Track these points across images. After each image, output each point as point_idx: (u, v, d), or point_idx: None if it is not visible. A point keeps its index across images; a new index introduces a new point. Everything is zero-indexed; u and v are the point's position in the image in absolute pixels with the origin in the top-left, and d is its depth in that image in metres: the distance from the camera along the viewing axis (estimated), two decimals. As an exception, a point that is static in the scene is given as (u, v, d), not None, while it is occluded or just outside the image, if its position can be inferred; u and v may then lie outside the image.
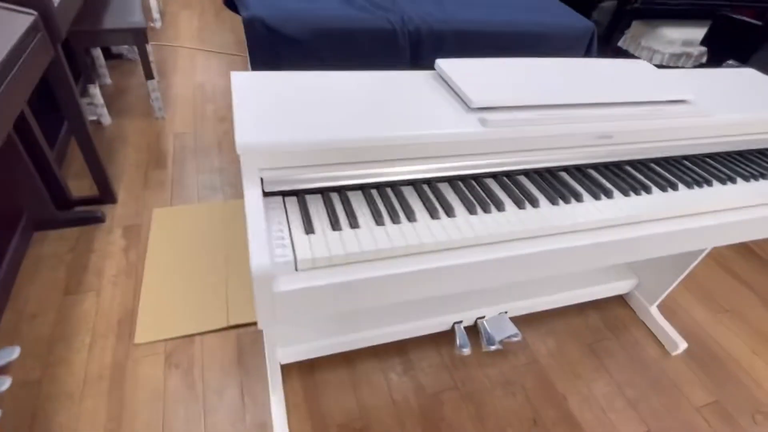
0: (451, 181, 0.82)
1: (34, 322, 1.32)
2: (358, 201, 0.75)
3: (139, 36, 1.89)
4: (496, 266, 0.72)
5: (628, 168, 0.94)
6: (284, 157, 0.69)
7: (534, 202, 0.80)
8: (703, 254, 1.39)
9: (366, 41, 1.53)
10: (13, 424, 1.10)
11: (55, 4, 1.27)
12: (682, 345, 1.51)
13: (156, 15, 3.10)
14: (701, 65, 2.83)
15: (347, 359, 1.35)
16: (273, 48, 1.40)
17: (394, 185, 0.80)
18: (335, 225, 0.69)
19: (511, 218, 0.76)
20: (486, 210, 0.77)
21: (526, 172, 0.88)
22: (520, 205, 0.79)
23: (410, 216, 0.73)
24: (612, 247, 0.80)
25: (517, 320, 1.53)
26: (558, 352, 1.47)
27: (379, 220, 0.71)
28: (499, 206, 0.78)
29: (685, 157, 1.01)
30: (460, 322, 1.41)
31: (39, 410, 1.13)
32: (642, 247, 0.85)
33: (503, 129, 0.79)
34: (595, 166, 0.92)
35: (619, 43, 3.16)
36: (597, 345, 1.51)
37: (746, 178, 0.97)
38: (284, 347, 1.23)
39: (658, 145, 0.96)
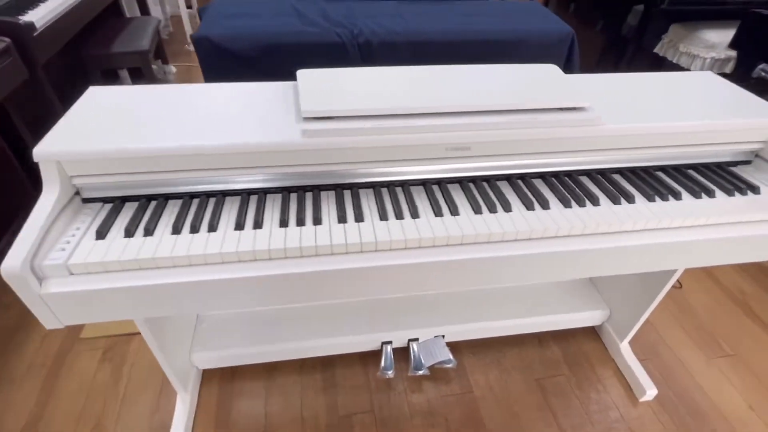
0: (276, 191, 0.80)
1: (7, 313, 1.48)
2: (171, 209, 0.75)
3: (144, 58, 2.08)
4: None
5: (484, 184, 0.84)
6: (91, 166, 0.72)
7: (353, 219, 0.74)
8: (667, 286, 1.19)
9: (314, 55, 1.54)
10: (-38, 399, 1.24)
11: (34, 34, 1.44)
12: (651, 391, 1.29)
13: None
14: (723, 74, 2.48)
15: (270, 369, 1.34)
16: (222, 64, 1.46)
17: (227, 193, 0.79)
18: (128, 232, 0.69)
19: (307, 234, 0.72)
20: (300, 223, 0.73)
21: (373, 185, 0.82)
22: (339, 220, 0.74)
23: (213, 226, 0.72)
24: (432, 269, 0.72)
25: (459, 346, 1.42)
26: (499, 386, 1.33)
27: (176, 229, 0.71)
28: (305, 221, 0.74)
29: (584, 172, 0.89)
30: (390, 342, 1.34)
31: (-16, 389, 1.26)
32: (500, 270, 0.75)
33: (324, 139, 0.75)
34: (458, 180, 0.84)
35: (656, 49, 2.86)
36: (547, 381, 1.35)
37: (650, 197, 0.82)
38: (206, 352, 1.26)
39: (547, 160, 0.85)
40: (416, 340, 1.35)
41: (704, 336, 1.50)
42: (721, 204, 0.82)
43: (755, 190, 0.85)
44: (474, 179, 0.85)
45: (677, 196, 0.83)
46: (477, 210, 0.77)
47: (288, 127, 0.77)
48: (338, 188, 0.81)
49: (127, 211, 0.74)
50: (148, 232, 0.70)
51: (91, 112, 0.79)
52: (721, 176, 0.89)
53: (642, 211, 0.79)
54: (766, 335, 1.50)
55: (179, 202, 0.77)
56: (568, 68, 1.73)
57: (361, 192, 0.81)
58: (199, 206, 0.75)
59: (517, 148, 0.82)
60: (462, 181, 0.84)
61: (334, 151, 0.76)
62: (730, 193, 0.84)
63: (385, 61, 1.61)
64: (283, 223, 0.73)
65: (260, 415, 1.23)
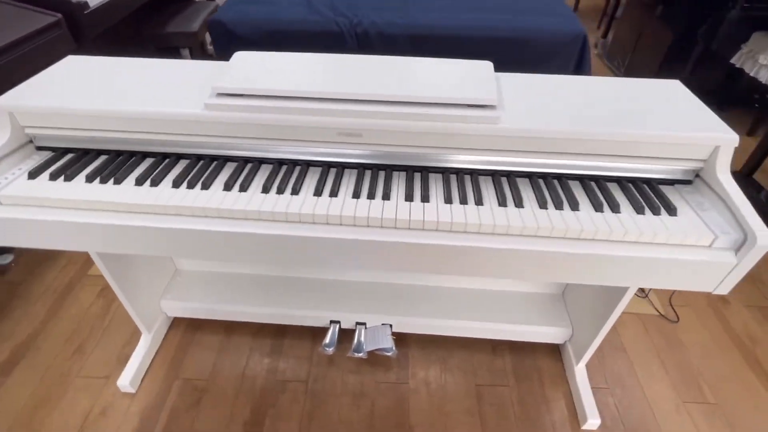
0: (187, 157, 0.88)
1: (43, 243, 1.76)
2: (97, 163, 0.87)
3: (191, 39, 2.31)
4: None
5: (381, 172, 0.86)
6: (37, 119, 0.86)
7: (241, 188, 0.81)
8: (617, 310, 1.10)
9: (314, 43, 1.61)
10: (-8, 307, 1.52)
11: (86, 11, 1.69)
12: (593, 420, 1.20)
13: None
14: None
15: (229, 328, 1.46)
16: (231, 47, 1.59)
17: (147, 154, 0.90)
18: (52, 176, 0.83)
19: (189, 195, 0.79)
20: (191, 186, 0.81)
21: (282, 161, 0.88)
22: (226, 188, 0.81)
23: (119, 181, 0.82)
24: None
25: (409, 338, 1.43)
26: (436, 383, 1.32)
27: (89, 179, 0.82)
28: (199, 184, 0.82)
29: (490, 172, 0.86)
30: (338, 322, 1.39)
31: (8, 302, 1.53)
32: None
33: (224, 113, 0.82)
34: (354, 165, 0.87)
35: (733, 60, 2.54)
36: (488, 389, 1.31)
37: (542, 204, 0.78)
38: (174, 301, 1.41)
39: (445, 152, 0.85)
40: (364, 324, 1.39)
41: (686, 376, 1.35)
42: (622, 220, 0.75)
43: (672, 211, 0.77)
44: (372, 166, 0.87)
45: (575, 206, 0.78)
46: (355, 194, 0.80)
47: (202, 101, 0.85)
48: (244, 161, 0.88)
49: (62, 160, 0.88)
50: (68, 178, 0.82)
51: (56, 76, 0.94)
52: (642, 193, 0.81)
53: (526, 217, 0.76)
54: (765, 391, 1.32)
55: (105, 157, 0.89)
56: (578, 71, 1.61)
57: (263, 167, 0.87)
58: (119, 163, 0.87)
59: (412, 139, 0.83)
60: (359, 168, 0.86)
61: (233, 125, 0.83)
62: (639, 211, 0.77)
63: (382, 53, 1.64)
64: (176, 184, 0.81)
65: (208, 365, 1.36)
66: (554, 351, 1.41)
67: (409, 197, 0.79)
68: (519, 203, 0.78)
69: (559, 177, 0.85)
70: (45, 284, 1.59)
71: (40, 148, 0.91)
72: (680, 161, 0.82)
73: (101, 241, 0.80)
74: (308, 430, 1.21)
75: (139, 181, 0.82)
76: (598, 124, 0.80)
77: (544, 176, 0.85)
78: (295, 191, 0.80)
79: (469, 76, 0.88)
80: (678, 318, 1.52)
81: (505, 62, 1.55)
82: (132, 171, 0.85)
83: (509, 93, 0.90)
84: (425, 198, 0.79)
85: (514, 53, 1.57)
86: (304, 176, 0.84)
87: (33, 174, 0.83)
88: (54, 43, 1.56)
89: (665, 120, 0.81)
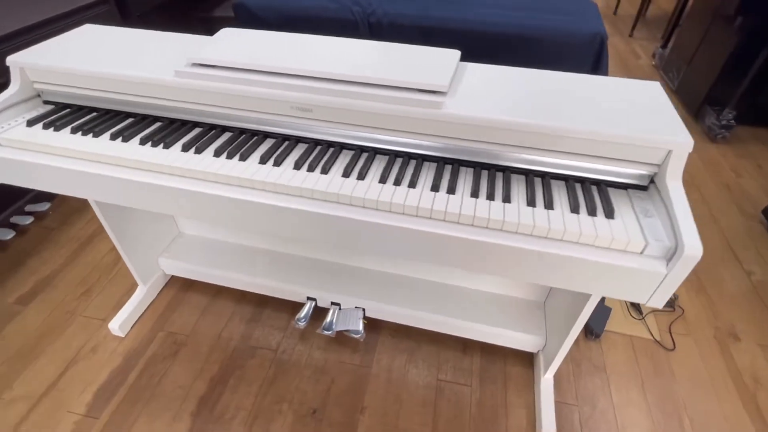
0: (162, 119, 0.96)
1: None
2: (88, 118, 0.98)
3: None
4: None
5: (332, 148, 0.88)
6: (43, 75, 0.98)
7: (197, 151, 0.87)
8: (578, 323, 1.05)
9: (329, 30, 1.66)
10: (29, 241, 1.72)
11: (134, -11, 1.85)
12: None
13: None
14: None
15: (216, 292, 1.55)
16: (252, 28, 1.68)
17: (131, 114, 0.99)
18: (46, 125, 0.94)
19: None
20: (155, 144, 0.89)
21: (243, 130, 0.93)
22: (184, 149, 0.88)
23: (97, 135, 0.92)
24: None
25: (382, 325, 1.45)
26: (398, 371, 1.33)
27: (74, 130, 0.92)
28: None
29: (436, 159, 0.86)
30: (314, 299, 1.44)
31: (40, 243, 1.73)
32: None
33: (191, 81, 0.88)
34: (300, 138, 0.90)
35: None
36: (449, 385, 1.30)
37: (474, 193, 0.77)
38: (171, 260, 1.52)
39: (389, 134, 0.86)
40: (338, 305, 1.42)
41: (667, 407, 1.25)
42: (551, 217, 0.73)
43: (609, 214, 0.73)
44: (323, 142, 0.90)
45: (507, 198, 0.76)
46: (297, 167, 0.83)
47: (176, 69, 0.92)
48: (209, 127, 0.94)
49: (58, 114, 0.99)
50: (57, 128, 0.93)
51: (69, 41, 1.05)
52: (585, 193, 0.78)
53: (452, 203, 0.76)
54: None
55: (94, 114, 0.99)
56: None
57: (226, 134, 0.93)
58: (102, 120, 0.96)
59: (359, 119, 0.85)
60: (310, 142, 0.90)
61: (197, 92, 0.90)
62: (573, 210, 0.74)
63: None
64: (143, 141, 0.89)
65: (191, 323, 1.45)
66: (527, 359, 1.37)
67: (346, 173, 0.81)
68: (451, 190, 0.78)
69: (505, 169, 0.83)
70: (72, 232, 1.78)
71: (46, 102, 1.03)
72: (633, 164, 0.77)
73: (81, 188, 0.90)
74: (265, 395, 1.27)
75: (113, 136, 0.90)
76: (542, 116, 0.77)
77: (490, 167, 0.84)
78: (243, 158, 0.85)
79: (429, 63, 0.89)
80: (674, 346, 1.41)
81: (516, 60, 1.52)
82: (110, 127, 0.94)
83: (474, 83, 0.89)
84: (361, 176, 0.81)
85: (525, 51, 1.52)
86: (258, 145, 0.89)
87: (30, 122, 0.94)
88: (100, 18, 1.73)
89: (622, 119, 0.77)
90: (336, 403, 1.25)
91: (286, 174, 0.81)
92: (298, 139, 0.91)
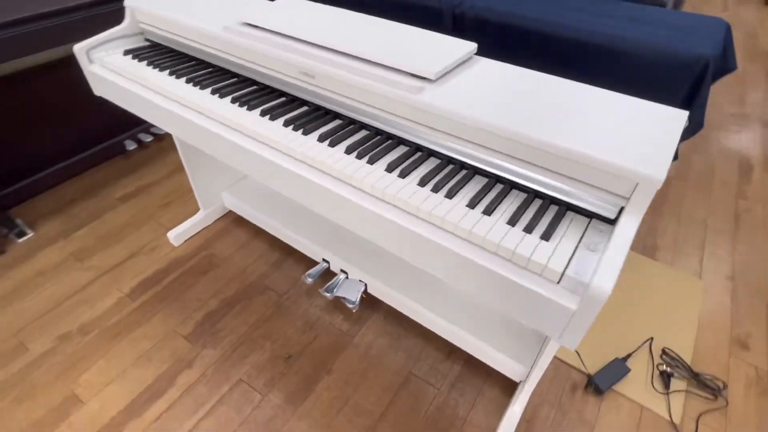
0: (211, 66, 1.12)
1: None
2: (175, 61, 1.19)
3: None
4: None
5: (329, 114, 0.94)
6: (145, 17, 1.21)
7: (219, 95, 1.01)
8: (543, 358, 0.96)
9: (409, 14, 1.69)
10: (145, 155, 2.13)
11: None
12: (492, 461, 1.09)
13: None
14: None
15: (257, 233, 1.75)
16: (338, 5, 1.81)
17: (203, 61, 1.18)
18: (135, 57, 1.17)
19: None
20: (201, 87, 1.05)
21: (265, 86, 1.05)
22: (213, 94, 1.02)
23: (162, 68, 1.12)
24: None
25: (381, 304, 1.49)
26: (376, 350, 1.36)
27: (152, 65, 1.14)
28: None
29: (411, 144, 0.86)
30: (328, 262, 1.54)
31: (156, 158, 2.13)
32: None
33: (234, 37, 1.02)
34: (304, 102, 0.98)
35: None
36: (418, 381, 1.29)
37: (422, 182, 0.76)
38: (231, 196, 1.76)
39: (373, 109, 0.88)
40: (346, 273, 1.50)
41: (647, 495, 1.08)
42: (483, 222, 0.70)
43: (546, 236, 0.67)
44: (322, 108, 0.97)
45: (452, 195, 0.75)
46: (286, 125, 0.92)
47: (225, 25, 1.07)
48: (252, 82, 1.08)
49: (149, 51, 1.22)
50: (140, 60, 1.16)
51: (174, -8, 1.29)
52: (539, 211, 0.72)
53: (395, 185, 0.77)
54: None
55: (173, 55, 1.20)
56: (686, 106, 1.29)
57: (255, 86, 1.06)
58: (183, 63, 1.16)
59: (351, 92, 0.89)
60: (310, 105, 0.98)
61: (238, 47, 1.03)
62: (509, 222, 0.70)
63: (473, 38, 1.62)
64: (192, 82, 1.07)
65: (227, 252, 1.67)
66: (508, 386, 1.28)
67: (322, 138, 0.88)
68: (403, 174, 0.79)
69: (475, 169, 0.81)
70: (175, 157, 2.15)
71: (146, 40, 1.28)
72: (600, 192, 0.69)
73: (156, 118, 1.11)
74: (257, 328, 1.41)
75: (189, 80, 1.08)
76: (516, 122, 0.73)
77: (462, 164, 0.82)
78: (252, 107, 0.97)
79: (434, 51, 0.89)
80: (671, 420, 1.19)
81: (594, 75, 1.39)
82: (188, 73, 1.12)
83: (473, 78, 0.86)
84: (333, 144, 0.86)
85: (606, 66, 1.37)
86: (272, 101, 1.00)
87: (126, 53, 1.19)
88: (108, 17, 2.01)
89: (605, 141, 0.69)
90: (310, 357, 1.34)
91: (277, 128, 0.91)
92: (300, 100, 0.99)
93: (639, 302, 1.52)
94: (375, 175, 0.79)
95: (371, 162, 0.82)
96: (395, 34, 0.96)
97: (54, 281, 1.54)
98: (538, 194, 0.76)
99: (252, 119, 0.93)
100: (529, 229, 0.68)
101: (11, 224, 1.70)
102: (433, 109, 0.79)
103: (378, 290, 1.44)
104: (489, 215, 0.72)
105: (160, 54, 1.20)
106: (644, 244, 1.73)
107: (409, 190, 0.76)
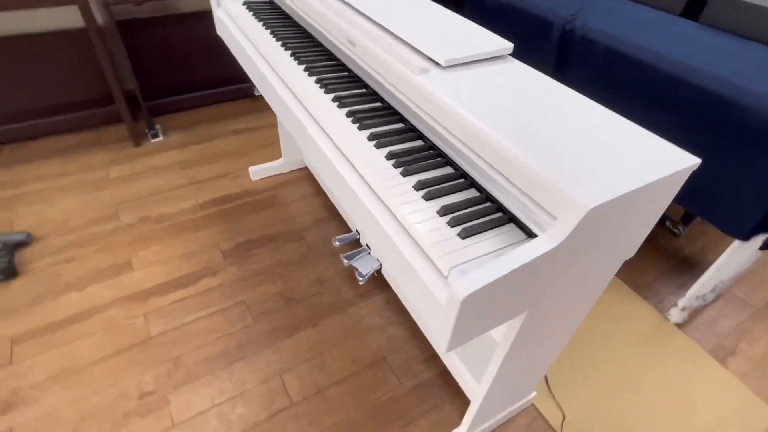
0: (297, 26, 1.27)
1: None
2: (276, 18, 1.38)
3: None
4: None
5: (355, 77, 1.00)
6: (270, -23, 1.42)
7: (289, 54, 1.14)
8: (515, 408, 0.90)
9: (522, 23, 1.61)
10: (262, 103, 2.46)
11: None
12: (411, 467, 1.05)
13: None
14: None
15: (318, 191, 1.90)
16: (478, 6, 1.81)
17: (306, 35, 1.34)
18: (248, 9, 1.38)
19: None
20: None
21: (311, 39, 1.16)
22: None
23: (277, 38, 1.30)
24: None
25: (387, 288, 1.51)
26: (363, 327, 1.40)
27: (264, 26, 1.34)
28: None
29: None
30: (359, 233, 1.61)
31: (264, 109, 2.44)
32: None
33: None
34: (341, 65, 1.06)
35: None
36: (384, 367, 1.29)
37: (394, 162, 0.77)
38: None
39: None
40: (369, 249, 1.56)
41: None
42: (411, 198, 0.70)
43: (463, 234, 0.64)
44: (356, 77, 1.04)
45: (407, 173, 0.75)
46: (318, 81, 1.01)
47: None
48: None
49: (267, 7, 1.43)
50: (254, 15, 1.37)
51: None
52: (482, 210, 0.69)
53: (367, 155, 0.80)
54: None
55: (288, 21, 1.39)
56: None
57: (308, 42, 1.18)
58: (286, 30, 1.35)
59: (379, 66, 0.94)
60: (349, 72, 1.05)
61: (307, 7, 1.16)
62: (441, 212, 0.68)
63: (577, 59, 1.49)
64: (285, 44, 1.23)
65: (289, 199, 1.86)
66: (471, 413, 1.21)
67: (340, 106, 0.95)
68: (379, 146, 0.82)
69: (448, 160, 0.80)
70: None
71: (267, -3, 1.50)
72: (540, 210, 0.63)
73: (254, 77, 1.32)
74: (277, 266, 1.56)
75: (277, 37, 1.27)
76: (488, 122, 0.70)
77: (440, 153, 0.82)
78: (302, 61, 1.08)
79: (464, 41, 0.89)
80: None
81: (703, 127, 1.22)
82: (287, 40, 1.31)
83: (490, 77, 0.84)
84: (342, 105, 0.93)
85: (718, 116, 1.15)
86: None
87: (244, 3, 1.42)
88: None
89: (569, 158, 0.63)
90: (306, 307, 1.44)
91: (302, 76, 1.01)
92: (346, 69, 1.07)
93: (674, 403, 1.27)
94: (357, 139, 0.84)
95: (361, 129, 0.87)
96: (441, 18, 0.98)
97: (158, 177, 1.91)
98: (489, 198, 0.72)
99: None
100: (453, 222, 0.66)
101: (152, 127, 2.15)
102: (425, 92, 0.79)
103: (390, 275, 1.47)
104: (427, 200, 0.71)
105: (270, 11, 1.39)
106: (720, 344, 1.43)
107: (374, 158, 0.79)
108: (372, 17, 0.98)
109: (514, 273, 0.55)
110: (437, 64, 0.84)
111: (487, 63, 0.88)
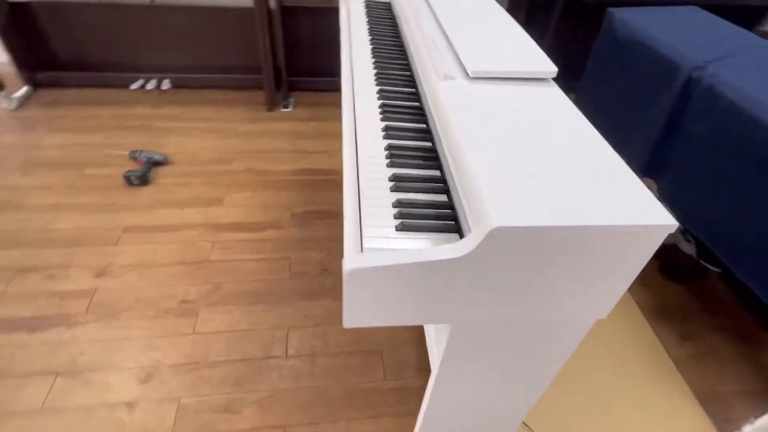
0: None
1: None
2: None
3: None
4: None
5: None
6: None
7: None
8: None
9: (646, 64, 1.42)
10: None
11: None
12: (353, 454, 1.07)
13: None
14: None
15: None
16: (610, 37, 1.66)
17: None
18: (368, 9, 1.53)
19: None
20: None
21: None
22: (371, 39, 1.27)
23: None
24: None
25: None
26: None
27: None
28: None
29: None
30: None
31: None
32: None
33: None
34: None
35: None
36: (377, 361, 1.32)
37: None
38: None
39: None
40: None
41: None
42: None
43: (403, 227, 0.66)
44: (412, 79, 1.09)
45: (391, 158, 0.79)
46: (375, 75, 1.09)
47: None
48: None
49: (382, 8, 1.56)
50: (368, 16, 1.51)
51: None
52: (436, 216, 0.69)
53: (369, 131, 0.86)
54: None
55: (392, 27, 1.50)
56: None
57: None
58: (384, 38, 1.47)
59: (420, 66, 0.98)
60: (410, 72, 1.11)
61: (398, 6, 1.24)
62: (395, 204, 0.70)
63: (696, 112, 1.28)
64: (375, 52, 1.35)
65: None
66: None
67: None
68: (387, 137, 0.87)
69: (435, 158, 0.81)
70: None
71: (390, -1, 1.63)
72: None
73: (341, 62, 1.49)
74: (329, 240, 1.70)
75: (372, 39, 1.40)
76: (471, 135, 0.70)
77: (437, 157, 0.83)
78: (376, 52, 1.18)
79: (510, 56, 0.88)
80: None
81: None
82: (378, 40, 1.43)
83: (513, 96, 0.81)
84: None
85: None
86: (392, 53, 1.18)
87: (366, 1, 1.57)
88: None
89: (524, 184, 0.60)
90: (336, 281, 1.54)
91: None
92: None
93: None
94: (374, 127, 0.90)
95: (383, 120, 0.92)
96: (507, 32, 0.97)
97: (274, 139, 2.21)
98: (452, 206, 0.72)
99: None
100: (398, 215, 0.69)
101: (286, 99, 2.49)
102: (437, 96, 0.82)
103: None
104: (391, 191, 0.74)
105: (382, 11, 1.52)
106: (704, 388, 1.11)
107: (376, 146, 0.84)
108: (440, 20, 1.02)
109: (403, 267, 0.56)
110: (465, 73, 0.85)
111: (519, 82, 0.85)
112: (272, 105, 2.44)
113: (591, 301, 0.66)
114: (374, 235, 0.65)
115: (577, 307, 0.67)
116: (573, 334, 0.75)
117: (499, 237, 0.53)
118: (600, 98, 1.77)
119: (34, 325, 1.33)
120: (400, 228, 0.66)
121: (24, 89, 2.35)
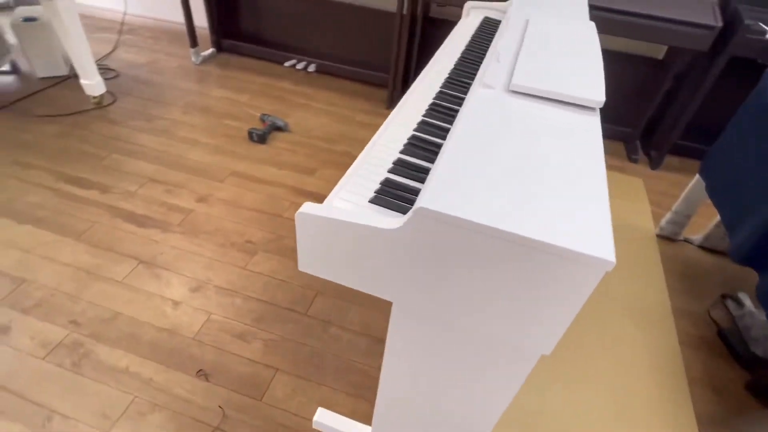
0: None
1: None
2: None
3: None
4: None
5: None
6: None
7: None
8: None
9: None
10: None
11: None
12: (318, 416, 1.13)
13: None
14: None
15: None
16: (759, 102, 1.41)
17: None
18: (478, 27, 1.57)
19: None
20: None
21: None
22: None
23: (478, 32, 1.47)
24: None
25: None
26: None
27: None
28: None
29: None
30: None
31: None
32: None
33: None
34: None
35: None
36: (347, 338, 1.36)
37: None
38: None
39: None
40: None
41: None
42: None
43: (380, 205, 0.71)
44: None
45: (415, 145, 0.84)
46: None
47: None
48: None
49: (488, 27, 1.58)
50: (477, 35, 1.55)
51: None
52: (403, 198, 0.72)
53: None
54: None
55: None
56: None
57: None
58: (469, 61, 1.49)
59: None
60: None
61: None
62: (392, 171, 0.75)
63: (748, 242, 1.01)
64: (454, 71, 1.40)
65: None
66: None
67: (439, 92, 1.07)
68: (416, 129, 0.92)
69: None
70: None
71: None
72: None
73: None
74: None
75: (461, 56, 1.45)
76: (463, 141, 0.71)
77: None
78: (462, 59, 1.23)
79: (565, 78, 0.86)
80: None
81: None
82: (465, 61, 1.46)
83: (536, 114, 0.79)
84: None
85: None
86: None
87: (484, 17, 1.61)
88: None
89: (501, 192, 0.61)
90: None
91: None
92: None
93: None
94: (412, 119, 0.96)
95: (425, 116, 0.97)
96: (580, 56, 0.94)
97: (379, 133, 2.37)
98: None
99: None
100: (379, 191, 0.74)
101: (406, 101, 2.64)
102: (468, 100, 0.84)
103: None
104: (388, 172, 0.79)
105: (492, 27, 1.54)
106: None
107: (401, 135, 0.90)
108: (525, 39, 1.03)
109: (338, 223, 0.62)
110: (510, 84, 0.86)
111: (557, 105, 0.83)
112: (392, 103, 2.61)
113: (519, 323, 0.62)
114: (346, 199, 0.71)
115: (508, 328, 0.64)
116: (510, 361, 0.71)
117: (424, 218, 0.55)
118: (729, 167, 1.52)
119: (143, 221, 1.68)
120: (372, 200, 0.72)
121: (210, 50, 2.92)
